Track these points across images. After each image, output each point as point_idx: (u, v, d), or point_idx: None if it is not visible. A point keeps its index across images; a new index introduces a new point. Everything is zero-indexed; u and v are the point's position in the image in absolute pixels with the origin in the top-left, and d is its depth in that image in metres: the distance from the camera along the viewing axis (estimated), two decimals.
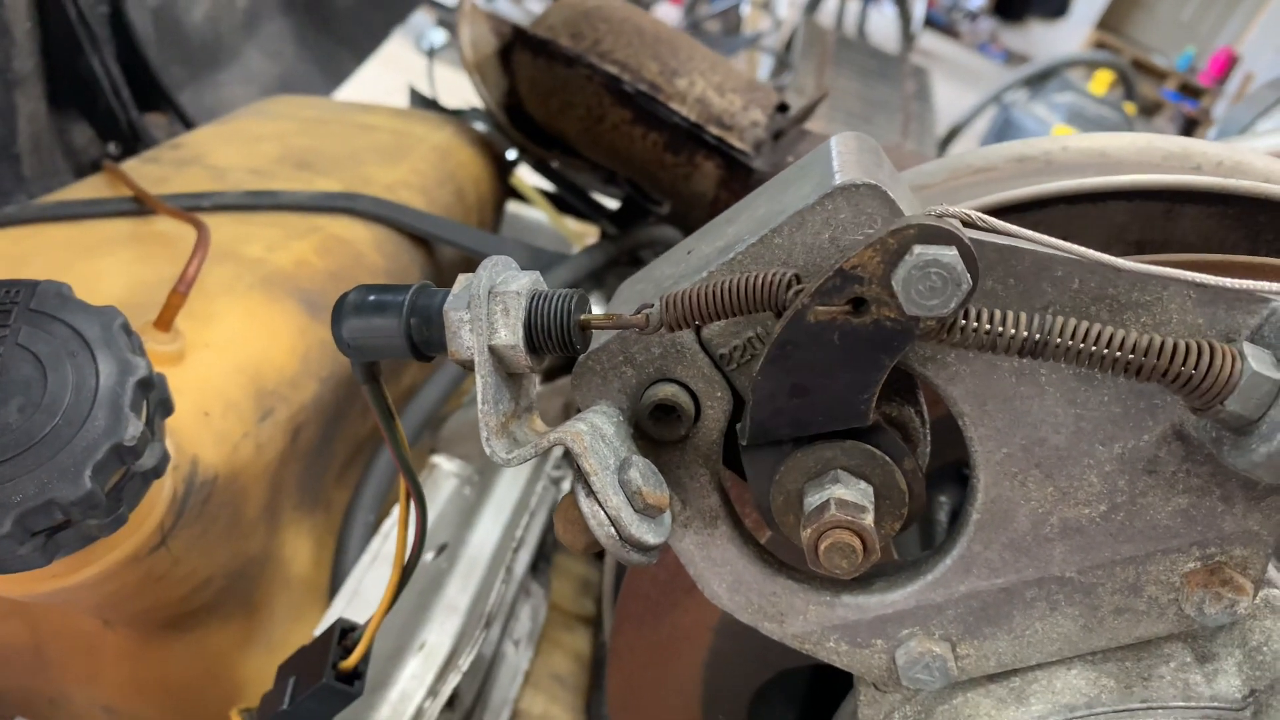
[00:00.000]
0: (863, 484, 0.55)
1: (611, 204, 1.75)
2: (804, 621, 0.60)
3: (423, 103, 1.84)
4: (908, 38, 6.70)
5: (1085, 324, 0.47)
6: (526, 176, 1.86)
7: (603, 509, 0.53)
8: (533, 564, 1.17)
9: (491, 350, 0.54)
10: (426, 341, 0.56)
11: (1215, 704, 0.54)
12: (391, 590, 0.70)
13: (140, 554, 0.74)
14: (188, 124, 1.66)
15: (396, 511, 1.07)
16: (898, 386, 0.60)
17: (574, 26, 1.35)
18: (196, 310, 0.91)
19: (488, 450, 0.55)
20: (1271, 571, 0.58)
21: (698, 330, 0.57)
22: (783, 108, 1.31)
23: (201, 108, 1.78)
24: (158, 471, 0.68)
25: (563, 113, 1.36)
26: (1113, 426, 0.53)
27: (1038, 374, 0.53)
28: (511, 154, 1.75)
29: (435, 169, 1.37)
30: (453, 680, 0.85)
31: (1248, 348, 0.48)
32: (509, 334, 0.54)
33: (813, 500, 0.54)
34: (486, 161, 1.52)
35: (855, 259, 0.47)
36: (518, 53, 1.44)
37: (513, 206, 1.94)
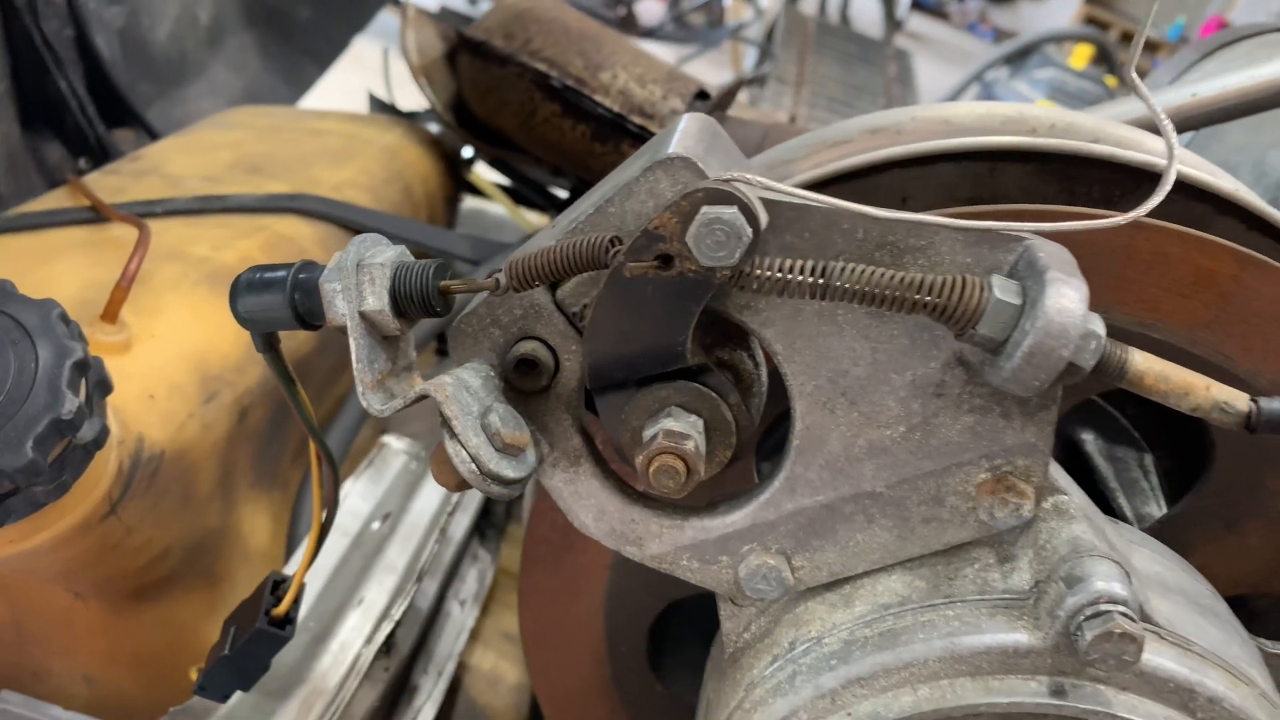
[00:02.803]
0: (693, 418, 0.63)
1: (564, 194, 1.83)
2: (659, 544, 0.68)
3: (380, 107, 1.92)
4: (891, 21, 6.75)
5: (858, 266, 0.55)
6: (486, 173, 1.95)
7: (464, 448, 0.61)
8: (482, 532, 1.25)
9: (362, 316, 0.62)
10: (310, 312, 0.64)
11: (1007, 595, 0.62)
12: (312, 544, 0.79)
13: (91, 522, 0.83)
14: (155, 138, 1.74)
15: (346, 484, 1.16)
16: (730, 334, 0.68)
17: (507, 27, 1.43)
18: (145, 305, 0.99)
19: (364, 403, 0.63)
20: (1065, 481, 0.66)
21: (553, 291, 0.65)
22: (702, 95, 1.39)
23: (170, 122, 1.86)
24: (98, 444, 0.77)
25: (500, 109, 1.45)
26: (903, 356, 0.61)
27: (835, 315, 0.61)
28: (468, 152, 1.84)
29: (383, 168, 1.45)
30: (385, 628, 0.94)
31: (996, 279, 0.56)
32: (376, 300, 0.62)
33: (648, 432, 0.62)
34: (435, 160, 1.60)
35: (658, 220, 0.55)
36: (460, 55, 1.53)
37: (476, 202, 2.03)
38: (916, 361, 0.61)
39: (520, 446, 0.64)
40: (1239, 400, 0.56)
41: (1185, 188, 0.75)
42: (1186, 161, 0.82)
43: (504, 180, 1.90)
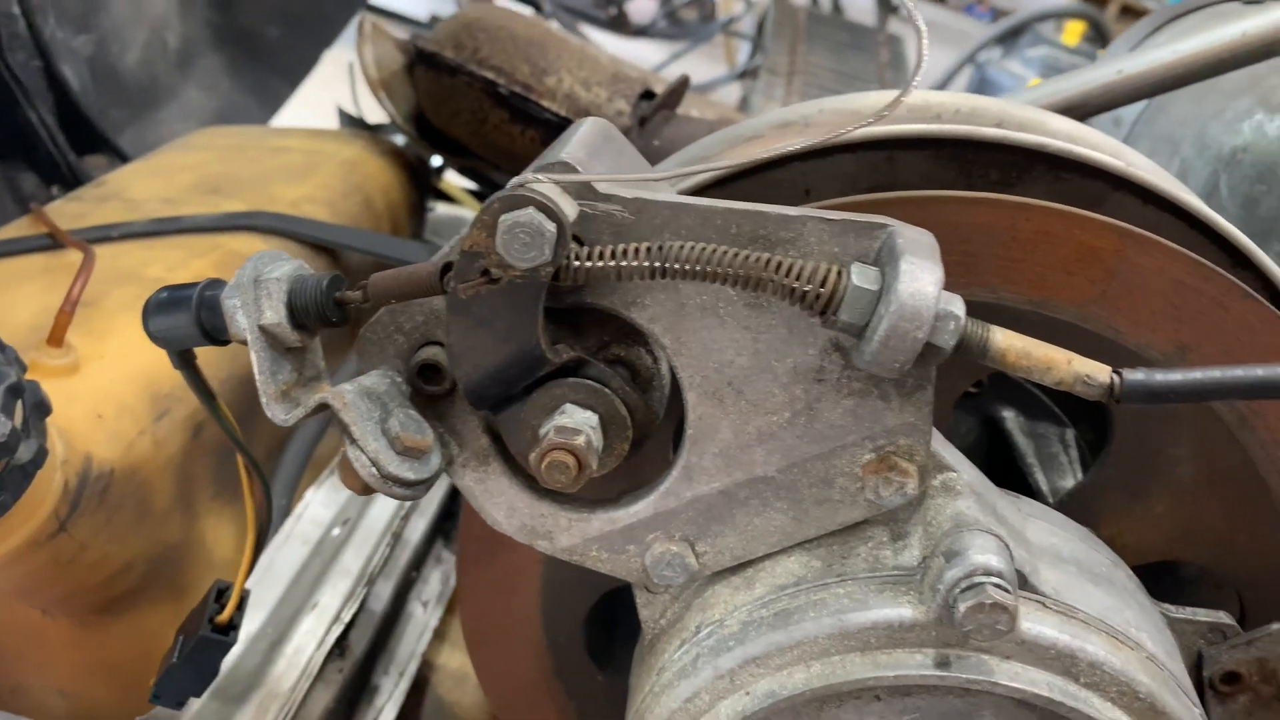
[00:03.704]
0: (588, 413, 0.65)
1: None
2: (569, 536, 0.70)
3: (349, 120, 1.95)
4: (885, 7, 6.73)
5: (696, 244, 0.58)
6: (460, 180, 1.98)
7: (364, 453, 0.64)
8: (446, 534, 1.28)
9: (262, 329, 0.65)
10: (216, 328, 0.66)
11: (897, 571, 0.64)
12: (249, 551, 0.81)
13: (39, 539, 0.86)
14: (126, 163, 1.78)
15: (308, 493, 1.18)
16: (627, 330, 0.70)
17: (456, 38, 1.46)
18: (95, 327, 1.02)
19: (269, 414, 0.66)
20: (954, 458, 0.67)
21: None
22: (648, 94, 1.41)
23: (143, 146, 1.89)
24: (36, 464, 0.79)
25: (454, 118, 1.47)
26: (783, 345, 0.63)
27: (717, 307, 0.63)
28: (437, 160, 1.86)
29: (342, 182, 1.48)
30: (335, 631, 0.96)
31: (856, 267, 0.58)
32: (273, 314, 0.64)
33: (542, 430, 0.64)
34: (398, 170, 1.63)
35: (470, 239, 0.58)
36: (415, 67, 1.55)
37: (451, 208, 2.05)
38: (796, 349, 0.63)
39: (422, 449, 0.66)
40: (1100, 372, 0.58)
41: (1080, 166, 0.76)
42: (1082, 139, 0.84)
43: (475, 186, 1.93)
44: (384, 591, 1.09)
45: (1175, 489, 0.75)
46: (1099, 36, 6.07)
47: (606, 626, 0.90)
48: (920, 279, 0.56)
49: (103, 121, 1.81)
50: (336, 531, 1.13)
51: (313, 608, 1.00)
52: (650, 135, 1.37)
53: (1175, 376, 0.57)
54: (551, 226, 0.57)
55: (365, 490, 0.67)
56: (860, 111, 0.87)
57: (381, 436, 0.65)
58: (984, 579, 0.58)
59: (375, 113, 2.00)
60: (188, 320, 0.67)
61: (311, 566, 1.07)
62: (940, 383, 0.75)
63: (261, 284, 0.64)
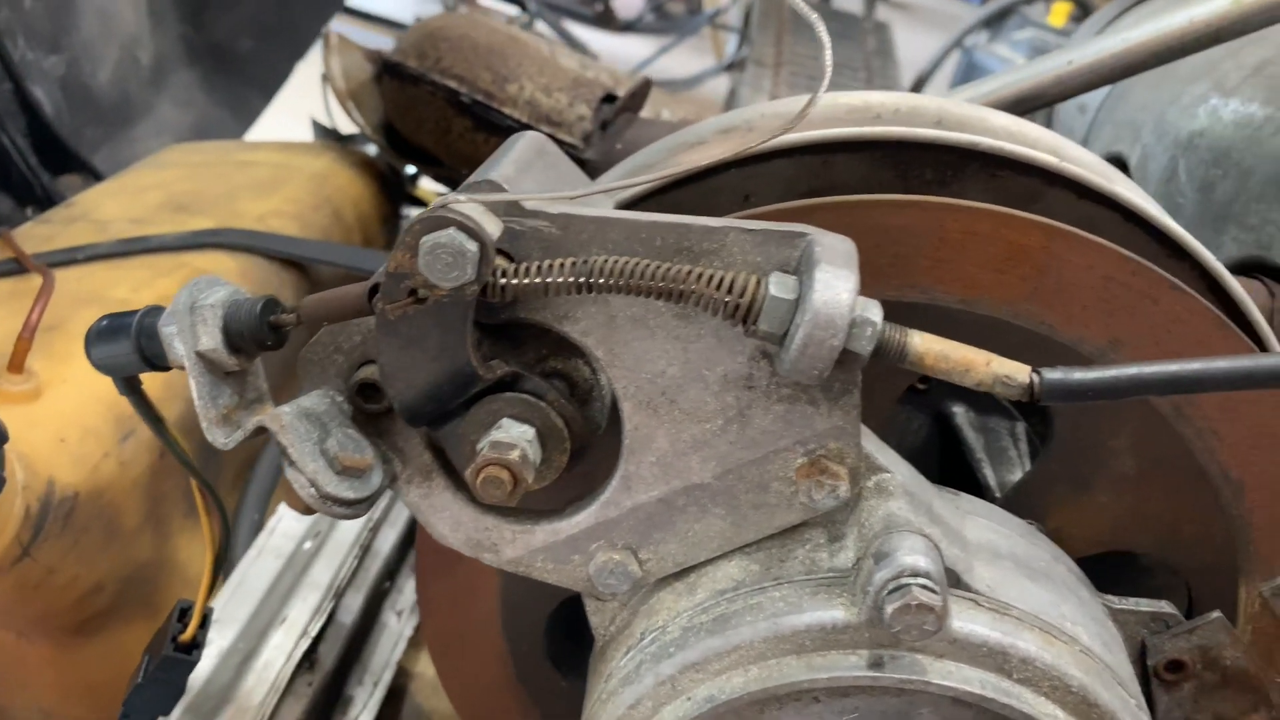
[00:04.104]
0: (525, 427, 0.66)
1: None
2: (514, 549, 0.71)
3: (323, 132, 1.96)
4: None
5: (620, 259, 0.58)
6: (434, 187, 1.98)
7: (302, 474, 0.65)
8: None
9: (199, 355, 0.65)
10: (156, 355, 0.67)
11: (832, 573, 0.65)
12: (208, 572, 0.82)
13: (3, 565, 0.87)
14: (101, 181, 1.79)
15: (281, 508, 1.19)
16: (564, 344, 0.71)
17: (419, 48, 1.47)
18: (59, 351, 1.03)
19: (209, 438, 0.67)
20: (888, 458, 0.68)
21: None
22: (610, 99, 1.42)
23: (118, 164, 1.90)
24: None
25: (419, 128, 1.48)
26: (713, 353, 0.64)
27: (647, 319, 0.64)
28: (412, 169, 1.87)
29: (311, 195, 1.49)
30: (303, 645, 0.97)
31: (774, 276, 0.59)
32: (210, 340, 0.65)
33: (480, 446, 0.65)
34: (369, 181, 1.64)
35: (394, 261, 0.59)
36: (381, 77, 1.56)
37: None
38: (725, 357, 0.64)
39: (361, 468, 0.67)
40: (1020, 373, 0.58)
41: (1015, 163, 0.77)
42: (1022, 135, 0.85)
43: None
44: (354, 603, 1.10)
45: (1117, 480, 0.76)
46: (1086, 16, 6.06)
47: (569, 632, 0.91)
48: (834, 287, 0.56)
49: (77, 141, 1.82)
50: (308, 545, 1.14)
51: (282, 622, 1.02)
52: (612, 139, 1.38)
53: (1093, 375, 0.58)
54: (473, 246, 0.58)
55: (307, 510, 0.68)
56: (797, 114, 0.88)
57: (320, 457, 0.66)
58: (911, 580, 0.58)
59: (349, 123, 2.01)
60: (128, 348, 0.68)
61: (283, 580, 1.08)
62: (883, 381, 0.77)
63: (197, 310, 0.65)
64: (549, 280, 0.60)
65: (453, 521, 0.71)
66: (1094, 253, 0.69)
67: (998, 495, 0.83)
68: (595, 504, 0.69)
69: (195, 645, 0.85)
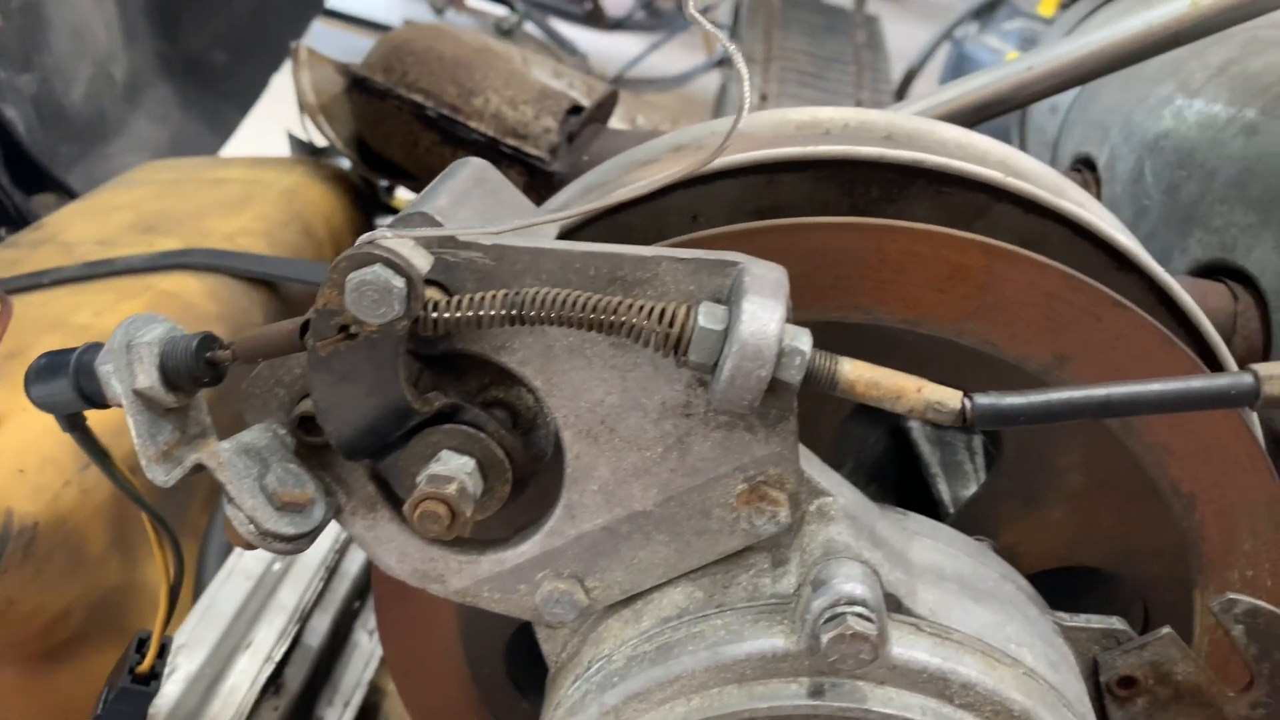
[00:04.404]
0: (465, 459, 0.66)
1: None
2: (460, 579, 0.71)
3: (299, 146, 1.95)
4: None
5: (551, 291, 0.58)
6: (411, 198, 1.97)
7: (241, 510, 0.65)
8: None
9: (137, 394, 0.65)
10: (96, 393, 0.67)
11: (774, 600, 0.65)
12: (164, 603, 0.82)
13: None
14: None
15: None
16: (505, 372, 0.70)
17: (386, 61, 1.46)
18: (17, 380, 1.03)
19: (149, 476, 0.66)
20: (831, 482, 0.68)
21: None
22: (576, 110, 1.42)
23: (94, 181, 1.89)
24: None
25: (388, 142, 1.48)
26: (650, 382, 0.64)
27: (583, 348, 0.64)
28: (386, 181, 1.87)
29: (281, 211, 1.48)
30: (266, 670, 0.97)
31: (704, 306, 0.59)
32: (146, 378, 0.65)
33: (419, 479, 0.65)
34: (340, 194, 1.64)
35: (322, 298, 0.58)
36: (350, 91, 1.56)
37: None
38: (662, 385, 0.64)
39: (301, 503, 0.67)
40: (951, 398, 0.58)
41: (961, 179, 0.76)
42: (971, 148, 0.84)
43: None
44: (321, 625, 1.10)
45: (1069, 496, 0.76)
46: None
47: (530, 654, 0.91)
48: (761, 318, 0.56)
49: (50, 160, 1.82)
50: (278, 566, 1.13)
51: (248, 647, 1.02)
52: (579, 150, 1.38)
53: (1023, 400, 0.58)
54: (399, 282, 0.58)
55: (248, 546, 0.68)
56: (751, 134, 0.88)
57: (259, 493, 0.66)
58: (846, 609, 0.58)
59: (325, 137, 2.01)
60: (66, 386, 0.68)
61: (251, 603, 1.08)
62: (831, 400, 0.76)
63: (133, 348, 0.65)
64: (481, 313, 0.60)
65: (399, 553, 0.71)
66: (1035, 270, 0.69)
67: (951, 511, 0.83)
68: (539, 533, 0.69)
69: (154, 675, 0.85)
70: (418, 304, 0.59)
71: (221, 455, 0.65)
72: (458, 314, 0.60)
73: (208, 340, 0.66)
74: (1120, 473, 0.74)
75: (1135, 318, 0.70)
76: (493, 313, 0.60)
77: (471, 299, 0.60)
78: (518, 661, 0.90)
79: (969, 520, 0.78)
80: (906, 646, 0.61)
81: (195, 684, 1.01)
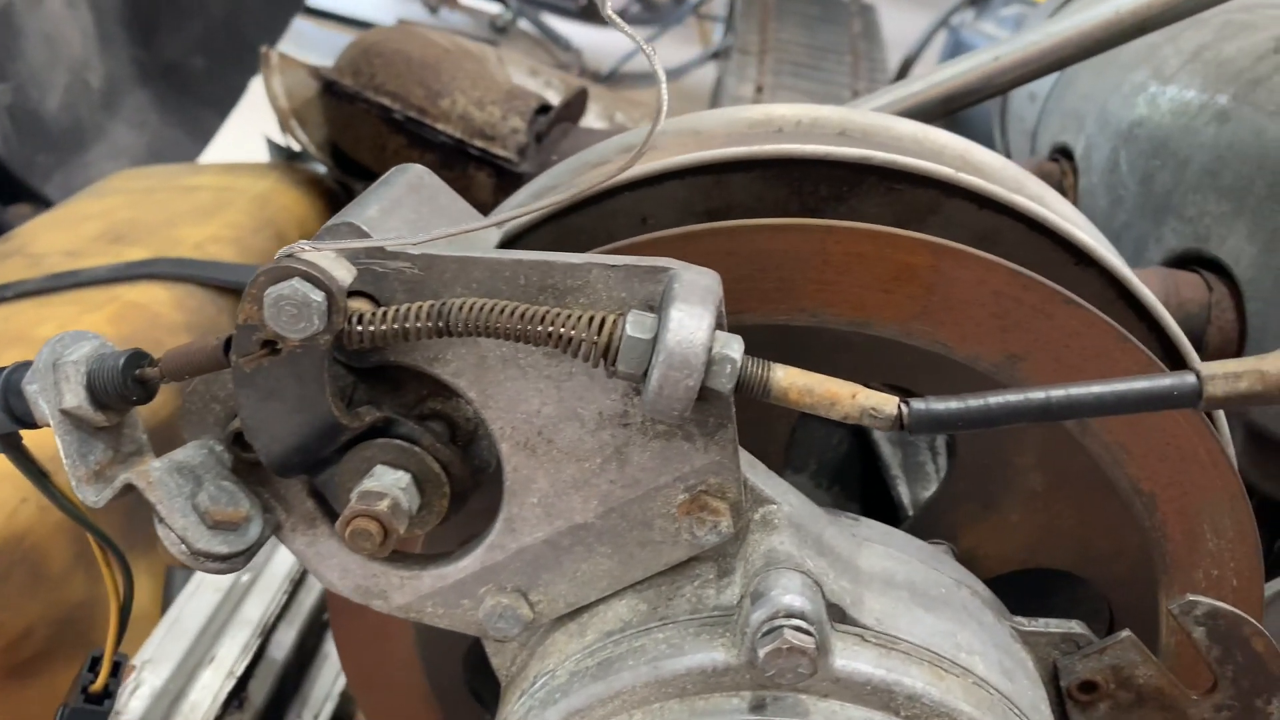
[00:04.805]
0: (400, 473, 0.65)
1: None
2: (402, 595, 0.70)
3: (278, 150, 1.94)
4: None
5: (477, 301, 0.57)
6: None
7: (172, 531, 0.63)
8: None
9: (65, 413, 0.64)
10: (25, 413, 0.66)
11: (718, 612, 0.63)
12: (114, 623, 0.81)
13: None
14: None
15: None
16: (442, 384, 0.69)
17: (355, 65, 1.45)
18: None
19: (79, 496, 0.65)
20: (776, 489, 0.66)
21: None
22: (545, 109, 1.40)
23: (72, 190, 1.88)
24: None
25: (358, 145, 1.47)
26: (586, 391, 0.62)
27: (517, 358, 0.62)
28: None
29: (252, 218, 1.47)
30: (228, 685, 0.96)
31: (633, 315, 0.57)
32: (73, 397, 0.64)
33: (352, 494, 0.64)
34: (315, 199, 1.62)
35: (243, 313, 0.57)
36: (322, 95, 1.55)
37: None
38: (599, 394, 0.62)
39: (235, 521, 0.66)
40: (887, 404, 0.57)
41: (912, 175, 0.75)
42: (927, 143, 0.83)
43: None
44: (286, 638, 1.09)
45: (1026, 497, 0.74)
46: None
47: (489, 664, 0.90)
48: (688, 326, 0.55)
49: (27, 170, 1.81)
50: (245, 578, 1.12)
51: (211, 661, 1.01)
52: (548, 150, 1.37)
53: (960, 404, 0.56)
54: (318, 296, 0.57)
55: (184, 566, 0.67)
56: (700, 131, 0.86)
57: (191, 512, 0.64)
58: (784, 622, 0.57)
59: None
60: None
61: (218, 617, 1.07)
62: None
63: (60, 367, 0.64)
64: (406, 325, 0.59)
65: (340, 569, 0.70)
66: (983, 269, 0.67)
67: (911, 513, 0.82)
68: (480, 547, 0.68)
69: (107, 694, 0.84)
70: (339, 317, 0.58)
71: (152, 474, 0.64)
72: (382, 327, 0.59)
73: (136, 357, 0.64)
74: (1078, 473, 0.73)
75: (1088, 315, 0.68)
76: (418, 325, 0.58)
77: (396, 311, 0.59)
78: (477, 673, 0.89)
79: (927, 524, 0.76)
80: (850, 658, 0.60)
81: (159, 700, 1.00)
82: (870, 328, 0.70)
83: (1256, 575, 0.75)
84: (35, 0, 1.85)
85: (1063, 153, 1.40)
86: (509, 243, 0.81)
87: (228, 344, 0.61)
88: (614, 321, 0.57)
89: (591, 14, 5.81)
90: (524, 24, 5.61)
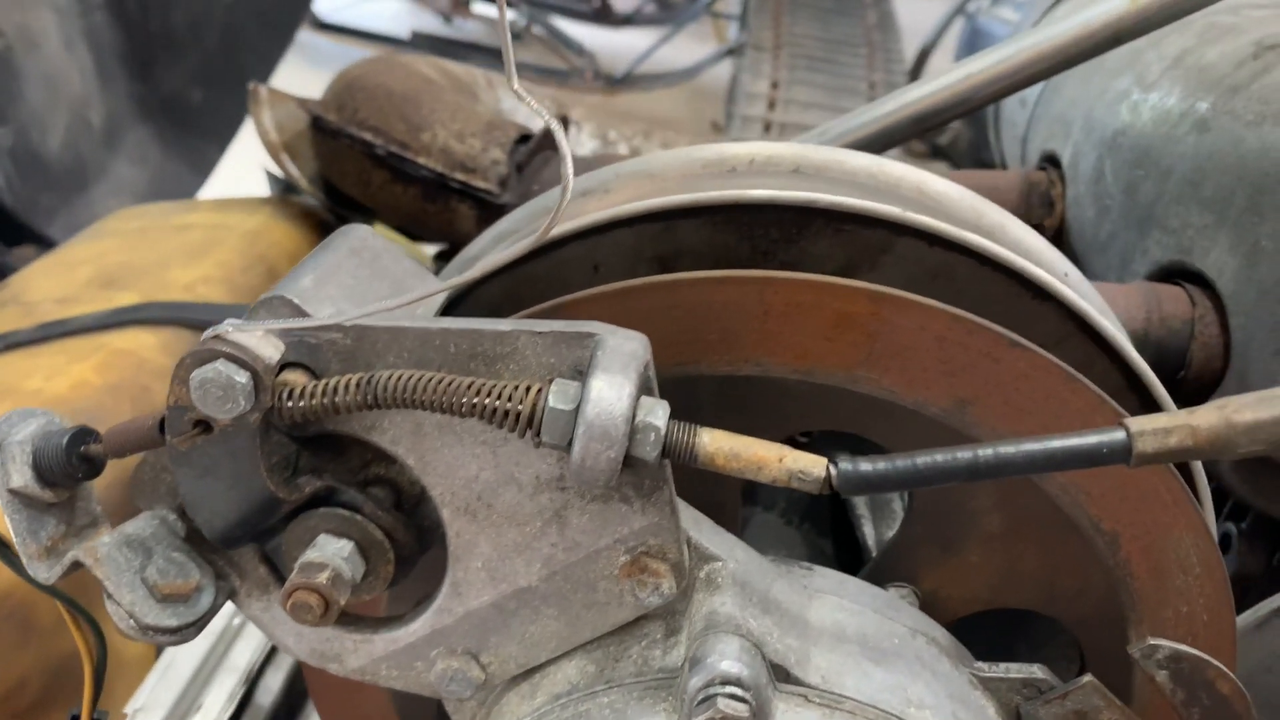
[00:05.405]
0: (343, 542, 0.65)
1: None
2: (356, 658, 0.70)
3: (276, 183, 1.95)
4: None
5: (405, 373, 0.57)
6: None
7: (120, 606, 0.64)
8: None
9: (14, 493, 0.65)
10: None
11: (662, 674, 0.63)
12: (89, 685, 0.82)
13: None
14: None
15: None
16: (383, 452, 0.69)
17: (339, 99, 1.46)
18: None
19: (31, 573, 0.66)
20: (723, 545, 0.66)
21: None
22: (525, 138, 1.40)
23: (76, 228, 1.91)
24: None
25: (344, 180, 1.47)
26: (522, 456, 0.62)
27: (453, 424, 0.62)
28: None
29: (242, 256, 1.48)
30: None
31: (556, 385, 0.57)
32: (20, 477, 0.64)
33: (294, 566, 0.64)
34: (308, 232, 1.63)
35: (172, 394, 0.57)
36: (312, 129, 1.56)
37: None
38: (534, 459, 0.62)
39: (184, 593, 0.66)
40: (815, 466, 0.56)
41: (859, 217, 0.74)
42: (881, 177, 0.82)
43: None
44: (274, 683, 1.10)
45: (985, 539, 0.73)
46: None
47: None
48: (607, 397, 0.54)
49: (31, 211, 1.84)
50: (237, 621, 1.13)
51: (198, 710, 1.02)
52: (529, 180, 1.37)
53: (888, 465, 0.55)
54: (243, 377, 0.57)
55: (134, 639, 0.67)
56: (653, 174, 0.86)
57: (140, 586, 0.65)
58: (718, 690, 0.56)
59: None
60: None
61: (208, 662, 1.08)
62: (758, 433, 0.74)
63: (6, 448, 0.65)
64: (336, 400, 0.59)
65: (295, 633, 0.70)
66: (923, 315, 0.67)
67: (874, 554, 0.81)
68: (429, 611, 0.68)
69: None
70: (267, 395, 0.58)
71: (99, 551, 0.64)
72: (313, 401, 0.59)
73: (80, 435, 0.65)
74: (1038, 514, 0.71)
75: (1035, 357, 0.67)
76: (347, 399, 0.59)
77: (326, 385, 0.59)
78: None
79: (888, 567, 0.76)
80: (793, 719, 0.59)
81: None
82: (815, 376, 0.69)
83: (1227, 609, 0.73)
84: (34, 42, 1.88)
85: (1051, 161, 1.38)
86: (463, 295, 0.81)
87: (162, 423, 0.61)
88: (537, 392, 0.57)
89: (605, 16, 5.81)
90: (537, 29, 5.62)
